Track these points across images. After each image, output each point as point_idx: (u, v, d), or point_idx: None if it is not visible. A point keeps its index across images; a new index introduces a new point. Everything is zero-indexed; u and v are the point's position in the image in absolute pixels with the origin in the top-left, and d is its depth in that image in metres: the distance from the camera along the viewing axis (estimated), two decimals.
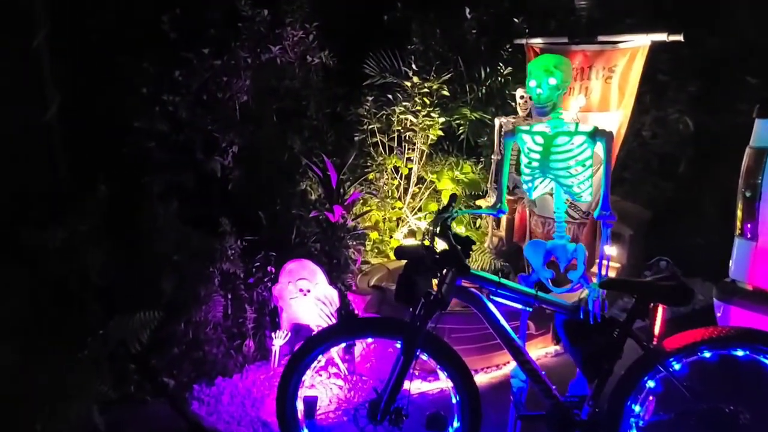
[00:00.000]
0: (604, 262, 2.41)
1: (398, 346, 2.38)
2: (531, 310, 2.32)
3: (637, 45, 4.43)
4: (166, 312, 3.06)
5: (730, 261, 2.90)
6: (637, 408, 2.37)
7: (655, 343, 2.30)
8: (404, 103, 4.87)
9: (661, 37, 4.24)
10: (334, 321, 3.70)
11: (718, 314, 2.90)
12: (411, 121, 4.89)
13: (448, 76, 4.96)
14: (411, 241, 4.90)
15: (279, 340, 3.64)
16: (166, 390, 3.22)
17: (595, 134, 2.33)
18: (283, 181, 4.61)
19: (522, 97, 4.70)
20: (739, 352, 2.29)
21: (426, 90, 4.92)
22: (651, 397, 2.38)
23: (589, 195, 2.40)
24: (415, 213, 5.03)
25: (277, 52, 4.53)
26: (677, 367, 2.31)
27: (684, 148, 5.55)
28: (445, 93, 5.02)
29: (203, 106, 4.52)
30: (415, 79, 4.86)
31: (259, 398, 3.35)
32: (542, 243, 2.60)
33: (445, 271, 2.30)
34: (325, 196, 4.18)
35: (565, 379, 2.66)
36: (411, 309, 2.35)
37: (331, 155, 5.05)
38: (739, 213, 2.81)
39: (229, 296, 3.73)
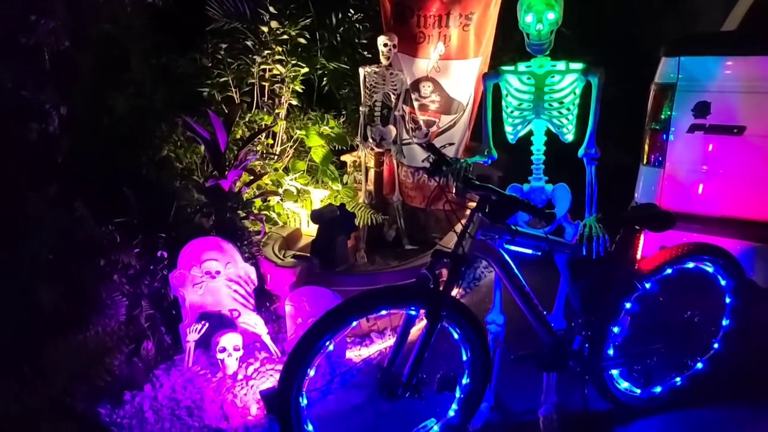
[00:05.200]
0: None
1: (413, 313, 2.19)
2: (540, 254, 2.31)
3: None
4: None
5: (636, 188, 3.27)
6: (616, 329, 2.58)
7: (636, 267, 2.50)
8: (266, 51, 4.35)
9: None
10: (252, 301, 3.26)
11: None
12: (279, 70, 4.40)
13: (308, 21, 4.55)
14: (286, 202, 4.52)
15: (194, 334, 3.07)
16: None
17: (588, 72, 2.35)
18: (137, 148, 3.80)
19: (386, 45, 4.56)
20: (690, 264, 2.64)
21: (285, 37, 4.46)
22: (626, 318, 2.61)
23: (572, 135, 2.44)
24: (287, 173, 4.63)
25: None
26: (648, 286, 2.56)
27: None
28: (302, 41, 4.62)
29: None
30: (274, 24, 4.36)
31: (192, 406, 2.81)
32: (519, 187, 2.58)
33: (465, 222, 2.15)
34: (211, 160, 3.56)
35: (480, 314, 2.58)
36: (427, 272, 2.15)
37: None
38: (645, 146, 3.16)
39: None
